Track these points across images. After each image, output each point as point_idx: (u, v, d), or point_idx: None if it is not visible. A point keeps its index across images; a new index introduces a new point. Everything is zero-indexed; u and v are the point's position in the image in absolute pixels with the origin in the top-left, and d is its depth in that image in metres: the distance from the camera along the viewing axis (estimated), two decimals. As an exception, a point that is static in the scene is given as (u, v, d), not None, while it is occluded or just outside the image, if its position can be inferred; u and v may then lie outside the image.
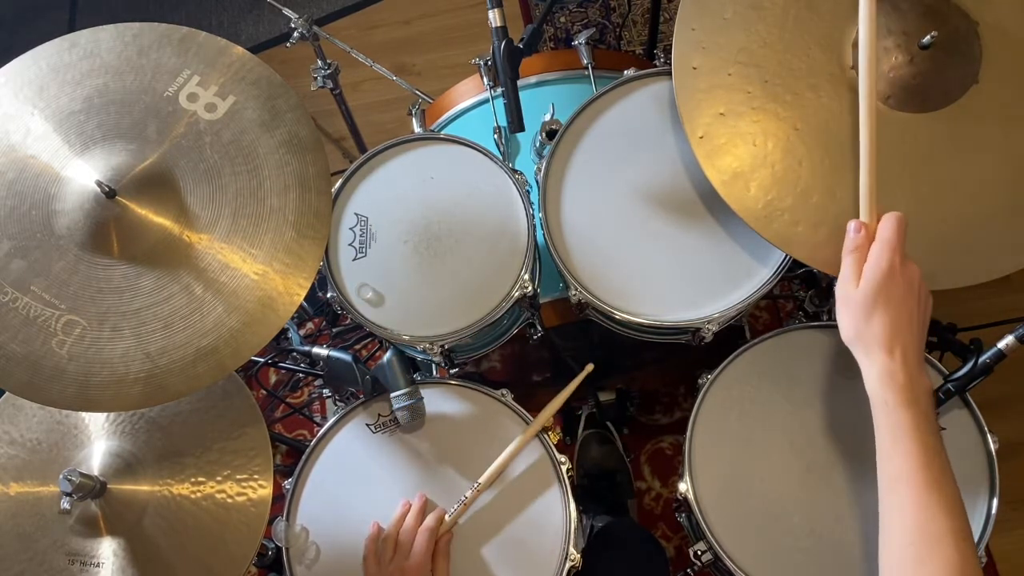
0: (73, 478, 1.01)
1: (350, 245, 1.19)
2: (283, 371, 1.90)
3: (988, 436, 1.06)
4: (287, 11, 1.57)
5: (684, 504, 1.10)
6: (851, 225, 0.89)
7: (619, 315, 1.12)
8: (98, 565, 1.06)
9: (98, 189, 0.95)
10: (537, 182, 1.20)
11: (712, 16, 1.09)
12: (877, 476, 0.81)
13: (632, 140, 1.20)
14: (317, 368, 1.25)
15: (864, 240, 0.87)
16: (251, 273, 0.98)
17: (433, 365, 1.32)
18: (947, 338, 1.21)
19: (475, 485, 1.10)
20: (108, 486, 1.07)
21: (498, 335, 1.28)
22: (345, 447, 1.18)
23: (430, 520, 1.07)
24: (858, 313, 0.83)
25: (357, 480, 1.16)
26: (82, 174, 0.98)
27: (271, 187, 1.01)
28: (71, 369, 0.95)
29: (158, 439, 1.11)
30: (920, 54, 1.02)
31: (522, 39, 1.15)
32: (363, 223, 1.20)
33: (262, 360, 1.57)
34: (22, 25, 2.58)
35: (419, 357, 1.26)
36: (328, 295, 1.16)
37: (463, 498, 1.10)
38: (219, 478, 1.09)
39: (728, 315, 1.12)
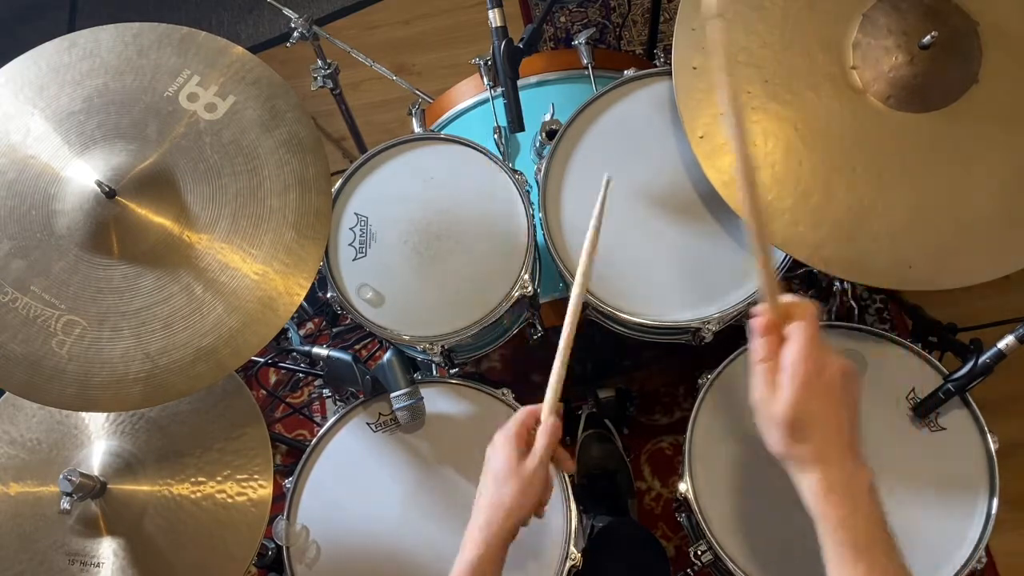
0: (73, 478, 1.01)
1: (350, 245, 1.19)
2: (283, 371, 1.89)
3: (988, 436, 1.06)
4: (287, 11, 1.57)
5: (684, 504, 1.10)
6: (755, 327, 0.73)
7: (619, 315, 1.12)
8: (98, 565, 1.06)
9: (98, 189, 0.95)
10: (537, 182, 1.19)
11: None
12: None
13: (632, 140, 1.20)
14: (317, 368, 1.25)
15: (774, 344, 0.72)
16: (251, 273, 0.98)
17: (433, 365, 1.32)
18: (947, 338, 1.21)
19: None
20: (108, 486, 1.07)
21: (498, 335, 1.28)
22: (345, 447, 1.18)
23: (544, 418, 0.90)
24: (783, 434, 0.72)
25: (357, 479, 1.16)
26: (82, 174, 0.98)
27: (271, 187, 1.01)
28: (71, 369, 0.95)
29: (158, 439, 1.11)
30: (920, 54, 1.02)
31: (522, 39, 1.15)
32: (363, 223, 1.20)
33: (262, 360, 1.57)
34: (22, 25, 2.58)
35: (419, 357, 1.26)
36: (328, 295, 1.16)
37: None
38: (219, 478, 1.09)
39: (728, 315, 1.12)
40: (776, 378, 0.70)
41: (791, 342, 0.70)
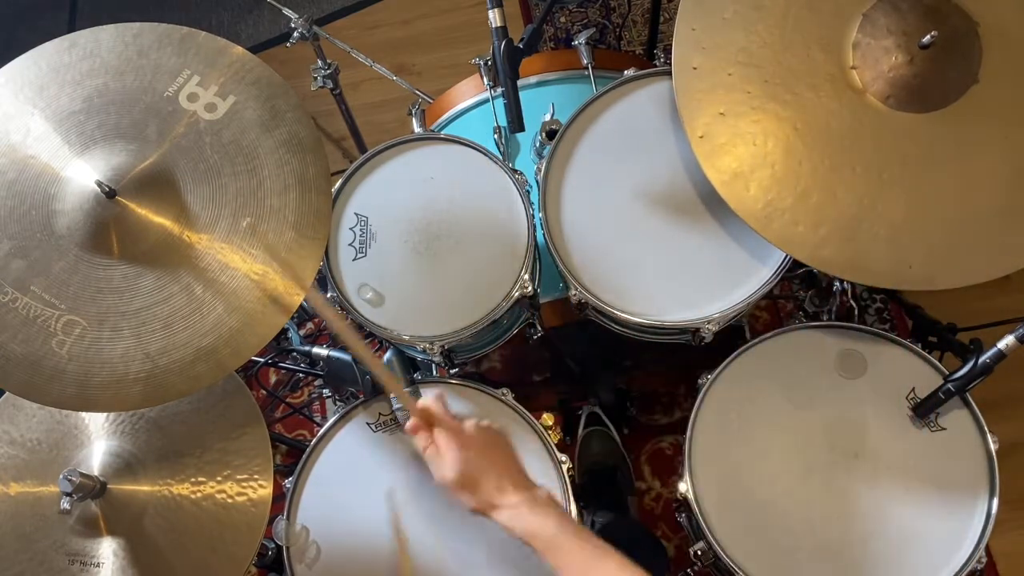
0: (73, 478, 1.00)
1: (350, 245, 1.19)
2: (283, 371, 1.89)
3: (988, 436, 1.06)
4: (287, 11, 1.57)
5: (684, 504, 1.10)
6: (410, 431, 0.97)
7: (619, 315, 1.12)
8: (98, 565, 1.06)
9: (98, 189, 0.95)
10: (537, 182, 1.20)
11: (712, 16, 1.09)
12: None
13: (632, 140, 1.20)
14: (317, 368, 1.25)
15: (430, 437, 0.96)
16: (251, 273, 0.98)
17: (433, 365, 1.32)
18: (947, 338, 1.21)
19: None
20: (108, 486, 1.07)
21: (498, 335, 1.28)
22: (345, 447, 1.18)
23: None
24: (465, 492, 0.93)
25: (357, 479, 1.16)
26: (82, 174, 0.98)
27: (271, 187, 1.01)
28: (71, 369, 0.95)
29: (158, 439, 1.11)
30: (920, 54, 1.02)
31: (522, 39, 1.15)
32: (363, 223, 1.20)
33: (262, 360, 1.57)
34: (22, 25, 2.58)
35: (419, 357, 1.26)
36: (328, 295, 1.16)
37: None
38: (219, 478, 1.09)
39: (728, 315, 1.12)
40: (441, 459, 0.93)
41: (436, 433, 0.95)
